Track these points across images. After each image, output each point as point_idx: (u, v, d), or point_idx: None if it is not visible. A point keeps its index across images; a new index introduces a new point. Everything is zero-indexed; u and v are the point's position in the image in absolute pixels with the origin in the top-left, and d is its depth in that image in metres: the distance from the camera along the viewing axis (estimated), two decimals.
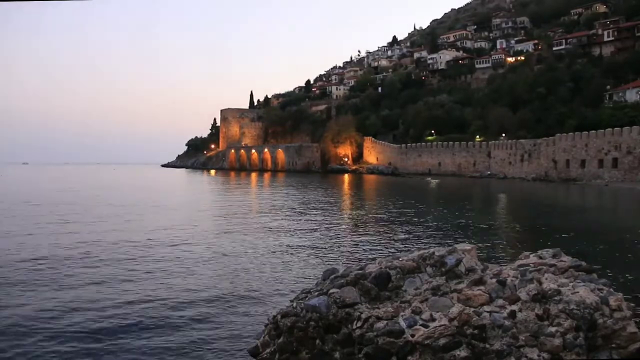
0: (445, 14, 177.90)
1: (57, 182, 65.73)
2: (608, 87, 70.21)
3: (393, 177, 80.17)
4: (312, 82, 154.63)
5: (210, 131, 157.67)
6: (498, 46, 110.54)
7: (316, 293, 6.06)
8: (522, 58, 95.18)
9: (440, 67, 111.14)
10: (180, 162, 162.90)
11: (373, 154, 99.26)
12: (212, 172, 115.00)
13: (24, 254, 14.51)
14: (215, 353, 7.25)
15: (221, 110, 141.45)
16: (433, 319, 5.27)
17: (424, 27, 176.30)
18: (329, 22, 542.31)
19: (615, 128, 55.09)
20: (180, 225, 21.94)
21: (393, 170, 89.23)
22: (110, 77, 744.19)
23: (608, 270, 11.66)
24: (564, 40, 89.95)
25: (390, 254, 13.99)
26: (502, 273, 5.87)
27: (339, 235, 18.84)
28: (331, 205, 31.91)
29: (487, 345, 5.04)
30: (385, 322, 5.38)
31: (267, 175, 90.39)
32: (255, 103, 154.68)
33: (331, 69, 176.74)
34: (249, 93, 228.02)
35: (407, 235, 18.47)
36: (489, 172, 73.79)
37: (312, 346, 5.67)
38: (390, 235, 18.52)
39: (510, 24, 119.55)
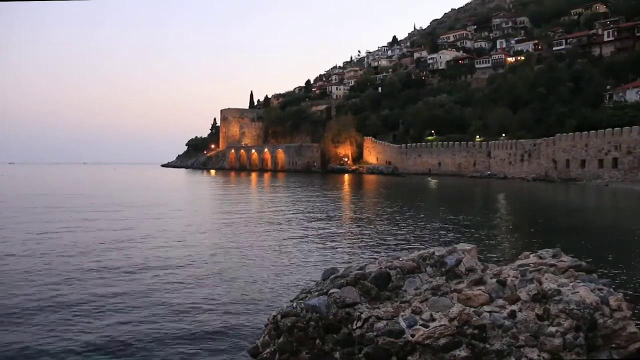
0: (445, 14, 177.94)
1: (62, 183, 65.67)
2: (608, 87, 70.17)
3: (393, 177, 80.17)
4: (312, 82, 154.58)
5: (210, 131, 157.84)
6: (498, 46, 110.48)
7: (316, 293, 6.06)
8: (522, 58, 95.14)
9: (440, 67, 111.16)
10: (180, 162, 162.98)
11: (373, 154, 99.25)
12: (212, 172, 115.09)
13: (32, 253, 14.54)
14: (215, 353, 7.25)
15: (221, 110, 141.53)
16: (433, 319, 5.27)
17: (424, 27, 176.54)
18: (329, 22, 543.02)
19: (615, 128, 55.05)
20: (180, 225, 21.95)
21: (393, 170, 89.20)
22: (110, 76, 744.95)
23: (608, 270, 11.66)
24: (564, 40, 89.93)
25: (391, 254, 14.00)
26: (502, 273, 5.87)
27: (339, 235, 18.84)
28: (331, 205, 31.92)
29: (487, 345, 5.04)
30: (385, 322, 5.38)
31: (267, 176, 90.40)
32: (255, 103, 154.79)
33: (331, 69, 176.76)
34: (249, 93, 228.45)
35: (407, 235, 18.47)
36: (489, 172, 73.77)
37: (312, 346, 5.67)
38: (390, 235, 18.52)
39: (510, 24, 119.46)
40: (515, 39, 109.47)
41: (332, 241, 17.30)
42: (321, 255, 14.66)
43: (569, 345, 4.93)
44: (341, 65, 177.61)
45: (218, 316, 8.87)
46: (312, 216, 25.39)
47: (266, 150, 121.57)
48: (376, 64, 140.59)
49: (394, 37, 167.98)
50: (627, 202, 35.68)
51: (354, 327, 5.48)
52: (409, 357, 5.13)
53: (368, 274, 5.95)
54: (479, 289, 5.51)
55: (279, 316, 5.99)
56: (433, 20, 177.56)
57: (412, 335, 5.17)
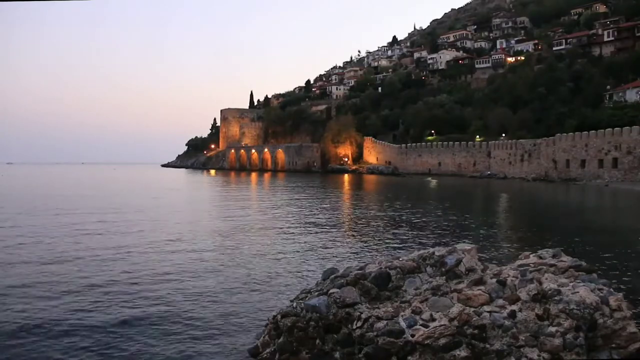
0: (445, 14, 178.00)
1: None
2: (608, 87, 70.18)
3: (393, 177, 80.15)
4: (312, 82, 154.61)
5: (210, 131, 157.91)
6: (498, 46, 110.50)
7: (316, 293, 6.06)
8: (522, 58, 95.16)
9: (440, 67, 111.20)
10: (180, 162, 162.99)
11: (373, 154, 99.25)
12: (212, 172, 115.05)
13: (32, 254, 14.54)
14: (216, 353, 7.24)
15: (221, 110, 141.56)
16: (433, 319, 5.27)
17: (424, 27, 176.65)
18: (329, 22, 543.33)
19: (615, 128, 55.07)
20: (180, 226, 21.95)
21: (393, 170, 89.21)
22: (110, 76, 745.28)
23: (608, 270, 11.65)
24: (564, 40, 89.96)
25: (391, 254, 13.99)
26: (502, 273, 5.87)
27: (339, 236, 18.82)
28: (331, 206, 31.91)
29: (487, 345, 5.04)
30: (385, 322, 5.38)
31: (267, 176, 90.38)
32: (255, 103, 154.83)
33: (331, 69, 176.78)
34: (249, 93, 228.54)
35: (407, 235, 18.46)
36: (489, 172, 73.77)
37: (312, 346, 5.67)
38: (390, 235, 18.52)
39: (510, 24, 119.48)
40: (515, 39, 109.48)
41: (332, 241, 17.29)
42: (321, 255, 14.65)
43: (569, 345, 4.92)
44: (341, 65, 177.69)
45: (218, 316, 8.87)
46: (312, 216, 25.38)
47: (266, 150, 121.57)
48: (376, 64, 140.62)
49: (394, 37, 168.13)
50: (627, 202, 35.67)
51: (354, 327, 5.48)
52: (409, 357, 5.13)
53: (368, 274, 5.95)
54: (479, 289, 5.51)
55: (279, 316, 6.00)
56: (433, 20, 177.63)
57: (412, 335, 5.17)
